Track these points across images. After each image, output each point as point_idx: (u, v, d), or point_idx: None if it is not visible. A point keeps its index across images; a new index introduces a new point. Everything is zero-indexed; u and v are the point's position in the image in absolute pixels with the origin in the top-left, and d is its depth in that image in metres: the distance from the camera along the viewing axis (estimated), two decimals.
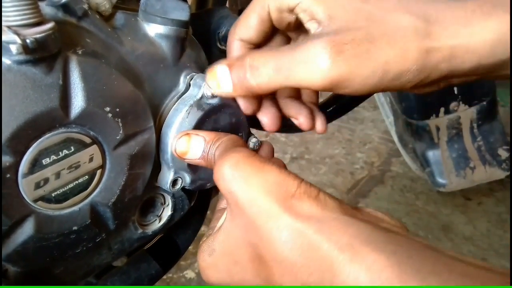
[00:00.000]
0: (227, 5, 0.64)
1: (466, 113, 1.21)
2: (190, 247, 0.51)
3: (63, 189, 0.32)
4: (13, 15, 0.26)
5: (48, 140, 0.30)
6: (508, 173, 1.25)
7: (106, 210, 0.35)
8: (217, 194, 0.54)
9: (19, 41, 0.26)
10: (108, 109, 0.32)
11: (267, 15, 0.35)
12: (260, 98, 0.39)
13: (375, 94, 1.25)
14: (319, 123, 0.40)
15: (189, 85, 0.39)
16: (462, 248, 1.26)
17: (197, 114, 0.38)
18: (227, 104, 0.39)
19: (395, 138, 1.44)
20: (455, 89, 1.19)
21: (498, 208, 1.43)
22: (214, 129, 0.39)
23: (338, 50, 0.29)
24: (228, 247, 0.30)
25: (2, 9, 0.26)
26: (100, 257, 0.39)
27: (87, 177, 0.33)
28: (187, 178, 0.40)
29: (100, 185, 0.34)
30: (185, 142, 0.36)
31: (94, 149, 0.32)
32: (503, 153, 1.24)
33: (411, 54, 0.30)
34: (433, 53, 0.30)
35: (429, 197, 1.48)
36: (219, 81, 0.34)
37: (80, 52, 0.30)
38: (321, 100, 0.67)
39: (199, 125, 0.38)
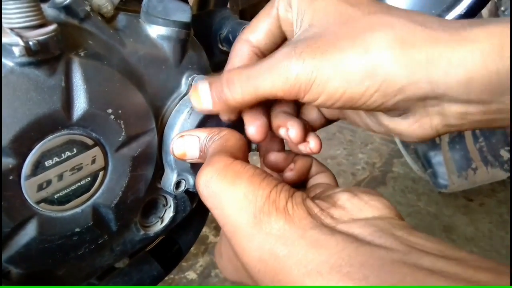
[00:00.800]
0: (228, 6, 0.64)
1: None
2: (192, 248, 0.51)
3: (66, 191, 0.32)
4: (15, 17, 0.26)
5: (50, 142, 0.30)
6: None
7: (109, 212, 0.35)
8: None
9: (21, 43, 0.26)
10: (110, 111, 0.32)
11: (276, 13, 0.35)
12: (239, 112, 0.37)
13: None
14: (313, 140, 0.37)
15: (191, 86, 0.39)
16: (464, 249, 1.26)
17: (198, 115, 0.38)
18: None
19: (397, 139, 1.43)
20: None
21: (500, 209, 1.42)
22: None
23: (298, 55, 0.29)
24: (229, 254, 0.31)
25: (6, 11, 0.26)
26: (102, 259, 0.39)
27: (89, 179, 0.33)
28: (191, 180, 0.40)
29: (103, 187, 0.34)
30: (180, 144, 0.35)
31: (96, 151, 0.32)
32: (505, 154, 1.23)
33: (373, 61, 0.28)
34: (403, 63, 0.28)
35: (430, 198, 1.48)
36: (201, 98, 0.34)
37: (82, 54, 0.30)
38: None
39: (201, 126, 0.38)
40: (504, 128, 0.31)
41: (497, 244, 1.30)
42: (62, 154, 0.31)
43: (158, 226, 0.42)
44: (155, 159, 0.37)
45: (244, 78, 0.32)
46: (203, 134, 0.35)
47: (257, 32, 0.36)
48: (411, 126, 0.32)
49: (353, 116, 0.39)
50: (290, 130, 0.36)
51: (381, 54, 0.28)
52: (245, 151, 0.32)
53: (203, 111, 0.35)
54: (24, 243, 0.31)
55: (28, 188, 0.29)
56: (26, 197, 0.30)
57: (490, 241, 1.31)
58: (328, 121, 0.41)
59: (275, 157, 0.38)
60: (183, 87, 0.39)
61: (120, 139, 0.33)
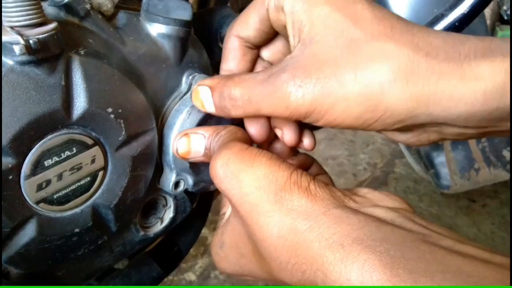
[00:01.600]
0: (228, 4, 0.64)
1: None
2: (191, 250, 0.51)
3: (65, 191, 0.32)
4: (16, 15, 0.26)
5: (50, 141, 0.29)
6: None
7: (108, 212, 0.35)
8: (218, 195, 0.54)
9: (22, 41, 0.25)
10: (110, 110, 0.32)
11: (266, 13, 0.34)
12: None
13: None
14: (307, 139, 0.38)
15: (191, 85, 0.38)
16: None
17: (198, 115, 0.38)
18: None
19: None
20: None
21: (502, 211, 1.42)
22: None
23: (298, 84, 0.29)
24: (234, 240, 0.31)
25: (6, 9, 0.26)
26: (101, 260, 0.39)
27: (89, 178, 0.33)
28: (190, 180, 0.40)
29: (102, 187, 0.34)
30: (185, 142, 0.35)
31: (96, 151, 0.32)
32: (507, 155, 1.23)
33: (375, 96, 0.28)
34: (404, 98, 0.28)
35: (432, 199, 1.48)
36: (203, 101, 0.35)
37: (82, 52, 0.30)
38: None
39: (200, 126, 0.38)
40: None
41: (498, 246, 1.29)
42: (62, 154, 0.30)
43: (158, 227, 0.42)
44: (155, 159, 0.37)
45: (246, 101, 0.32)
46: (208, 132, 0.35)
47: (247, 28, 0.35)
48: (409, 139, 0.33)
49: None
50: (285, 134, 0.37)
51: (383, 89, 0.28)
52: (251, 144, 0.33)
53: (207, 112, 0.36)
54: (24, 244, 0.31)
55: (28, 188, 0.29)
56: (26, 197, 0.29)
57: (492, 242, 1.31)
58: None
59: (280, 147, 0.39)
60: (184, 86, 0.38)
61: (120, 139, 0.33)
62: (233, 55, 0.37)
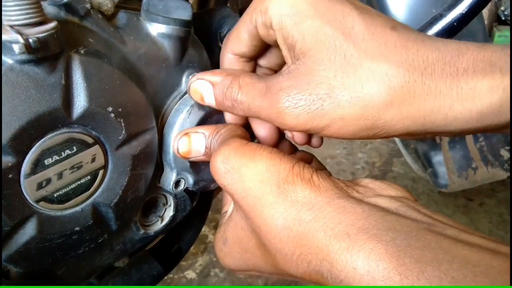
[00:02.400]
0: (228, 5, 0.64)
1: None
2: (191, 248, 0.51)
3: (65, 190, 0.32)
4: (15, 14, 0.26)
5: (50, 140, 0.29)
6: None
7: (109, 211, 0.35)
8: (219, 193, 0.54)
9: (21, 40, 0.25)
10: (110, 109, 0.32)
11: (255, 30, 0.34)
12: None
13: None
14: (315, 138, 0.39)
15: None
16: None
17: (198, 114, 0.38)
18: None
19: (396, 138, 1.43)
20: None
21: (499, 209, 1.42)
22: None
23: (293, 105, 0.29)
24: (237, 235, 0.31)
25: (5, 8, 0.26)
26: (102, 258, 0.39)
27: (89, 177, 0.33)
28: (190, 179, 0.40)
29: (103, 186, 0.34)
30: (186, 141, 0.36)
31: (96, 149, 0.32)
32: (505, 154, 1.23)
33: (371, 117, 0.28)
34: (399, 119, 0.28)
35: (430, 198, 1.48)
36: (203, 95, 0.35)
37: (82, 51, 0.30)
38: None
39: (200, 125, 0.38)
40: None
41: None
42: (62, 153, 0.30)
43: (158, 225, 0.42)
44: (155, 158, 0.37)
45: (247, 108, 0.32)
46: (208, 131, 0.35)
47: (239, 44, 0.35)
48: (406, 137, 0.33)
49: None
50: (295, 135, 0.38)
51: (379, 111, 0.28)
52: (251, 141, 0.33)
53: (206, 104, 0.36)
54: (24, 242, 0.31)
55: (28, 187, 0.29)
56: (26, 196, 0.30)
57: None
58: None
59: (281, 143, 0.39)
60: (184, 86, 0.38)
61: (120, 138, 0.33)
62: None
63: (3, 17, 0.26)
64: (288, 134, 0.39)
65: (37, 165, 0.29)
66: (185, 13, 0.36)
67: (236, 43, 0.35)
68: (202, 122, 0.38)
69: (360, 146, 1.77)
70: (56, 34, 0.27)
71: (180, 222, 0.44)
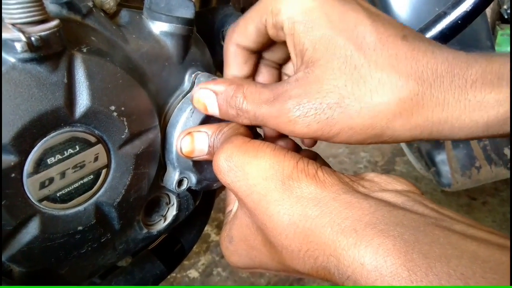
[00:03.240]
0: (230, 3, 0.63)
1: None
2: (194, 247, 0.51)
3: (68, 189, 0.31)
4: (17, 12, 0.26)
5: (53, 139, 0.29)
6: None
7: (111, 210, 0.35)
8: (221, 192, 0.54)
9: (24, 38, 0.25)
10: (113, 108, 0.31)
11: (264, 29, 0.33)
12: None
13: None
14: None
15: (194, 84, 0.38)
16: None
17: (201, 113, 0.37)
18: None
19: None
20: None
21: (503, 208, 1.42)
22: None
23: (303, 114, 0.29)
24: (243, 233, 0.31)
25: (7, 6, 0.26)
26: (105, 257, 0.39)
27: (92, 176, 0.33)
28: (193, 178, 0.40)
29: (105, 185, 0.34)
30: (189, 141, 0.35)
31: (99, 148, 0.32)
32: (509, 153, 1.23)
33: (379, 127, 0.28)
34: (408, 129, 0.28)
35: (433, 197, 1.48)
36: (206, 104, 0.35)
37: (85, 50, 0.30)
38: None
39: (203, 124, 0.38)
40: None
41: None
42: (65, 152, 0.30)
43: (161, 225, 0.42)
44: (158, 157, 0.37)
45: (253, 116, 0.32)
46: (211, 130, 0.35)
47: (245, 38, 0.35)
48: (412, 141, 0.33)
49: None
50: (306, 141, 0.38)
51: (388, 121, 0.28)
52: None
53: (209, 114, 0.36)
54: (26, 242, 0.31)
55: (30, 186, 0.29)
56: (28, 195, 0.29)
57: None
58: None
59: (284, 142, 0.39)
60: (186, 84, 0.38)
61: (123, 137, 0.33)
62: (234, 62, 0.37)
63: (5, 15, 0.26)
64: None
65: (40, 164, 0.29)
66: (188, 12, 0.36)
67: (242, 36, 0.35)
68: (205, 121, 0.38)
69: (362, 146, 1.77)
70: (58, 32, 0.27)
71: (183, 221, 0.44)
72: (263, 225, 0.27)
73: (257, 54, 0.37)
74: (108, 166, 0.33)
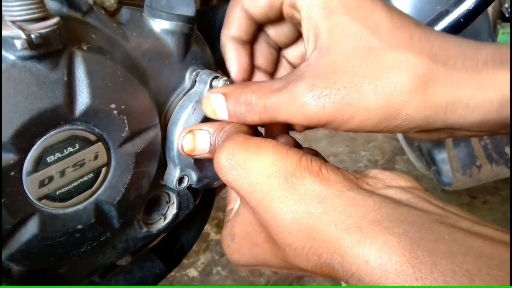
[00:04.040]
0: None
1: None
2: (193, 246, 0.51)
3: (68, 187, 0.31)
4: (17, 9, 0.26)
5: (52, 137, 0.29)
6: None
7: (111, 209, 0.35)
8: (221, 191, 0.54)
9: (23, 36, 0.25)
10: (113, 106, 0.31)
11: (279, 5, 0.33)
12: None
13: None
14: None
15: (195, 82, 0.38)
16: None
17: (202, 111, 0.37)
18: None
19: (400, 136, 1.43)
20: None
21: (503, 207, 1.42)
22: None
23: (317, 95, 0.29)
24: (245, 230, 0.31)
25: (7, 3, 0.25)
26: (104, 256, 0.39)
27: (92, 175, 0.32)
28: (194, 176, 0.40)
29: (105, 183, 0.34)
30: (190, 139, 0.35)
31: (99, 147, 0.32)
32: (509, 152, 1.23)
33: (395, 105, 0.28)
34: (423, 107, 0.28)
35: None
36: (216, 109, 0.35)
37: (85, 47, 0.30)
38: None
39: (205, 122, 0.37)
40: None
41: None
42: (64, 150, 0.30)
43: (161, 223, 0.42)
44: (158, 156, 0.37)
45: (262, 107, 0.32)
46: (212, 128, 0.35)
47: (255, 4, 0.34)
48: (421, 136, 0.33)
49: None
50: (297, 127, 0.38)
51: (404, 99, 0.28)
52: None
53: (219, 119, 0.36)
54: (26, 240, 0.30)
55: (30, 184, 0.29)
56: (28, 194, 0.29)
57: None
58: None
59: (286, 139, 0.39)
60: (187, 82, 0.38)
61: (123, 135, 0.33)
62: (235, 23, 0.36)
63: (5, 13, 0.26)
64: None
65: (39, 163, 0.29)
66: (189, 9, 0.36)
67: (253, 2, 0.34)
68: (207, 118, 0.38)
69: (363, 144, 1.77)
70: (58, 30, 0.27)
71: (183, 220, 0.44)
72: (266, 222, 0.27)
73: (259, 27, 0.37)
74: (108, 164, 0.33)
